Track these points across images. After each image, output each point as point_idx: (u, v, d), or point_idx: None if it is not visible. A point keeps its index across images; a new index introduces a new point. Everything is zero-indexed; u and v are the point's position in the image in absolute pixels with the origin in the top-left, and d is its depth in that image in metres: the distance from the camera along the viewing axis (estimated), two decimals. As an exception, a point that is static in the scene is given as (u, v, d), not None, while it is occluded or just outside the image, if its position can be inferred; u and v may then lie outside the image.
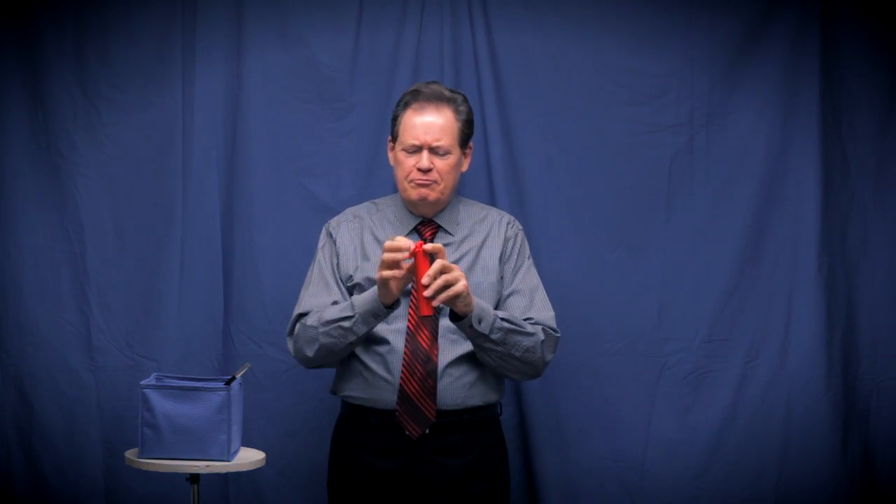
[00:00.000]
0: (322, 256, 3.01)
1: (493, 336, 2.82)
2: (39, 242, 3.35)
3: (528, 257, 3.05)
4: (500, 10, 3.39)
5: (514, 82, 3.40)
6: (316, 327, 2.86)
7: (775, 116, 3.42)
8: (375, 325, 2.85)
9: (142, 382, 2.87)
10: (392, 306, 2.82)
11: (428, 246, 2.72)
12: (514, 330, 2.85)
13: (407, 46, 3.40)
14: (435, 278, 2.70)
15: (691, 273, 3.42)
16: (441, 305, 2.79)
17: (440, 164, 2.93)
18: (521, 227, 3.09)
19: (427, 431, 2.87)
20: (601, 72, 3.41)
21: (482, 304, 2.83)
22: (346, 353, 2.90)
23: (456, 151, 2.96)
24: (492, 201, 3.35)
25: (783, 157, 3.43)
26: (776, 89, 3.42)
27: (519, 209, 3.36)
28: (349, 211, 3.09)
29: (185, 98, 3.36)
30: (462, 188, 3.34)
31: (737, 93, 3.42)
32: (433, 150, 2.92)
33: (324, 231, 3.06)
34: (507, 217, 3.08)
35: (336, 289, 2.96)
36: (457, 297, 2.73)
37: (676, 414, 3.40)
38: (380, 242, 2.95)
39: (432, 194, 2.94)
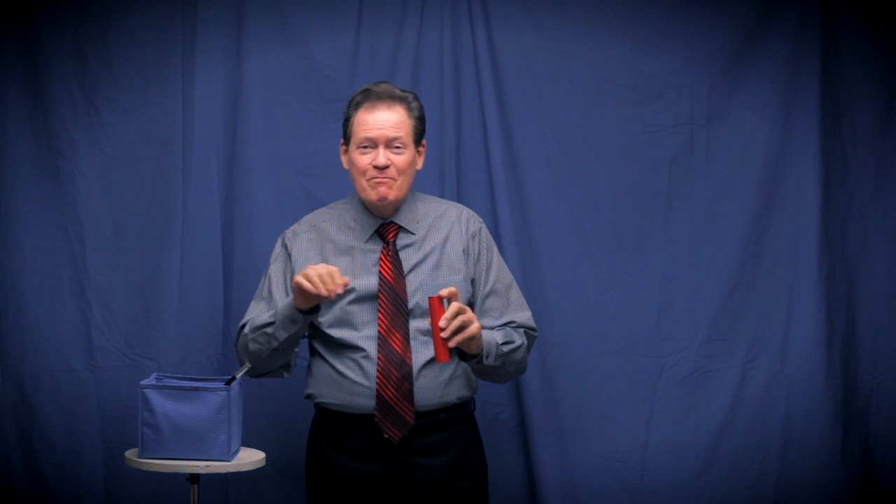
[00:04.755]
0: (274, 270, 2.97)
1: (497, 363, 2.85)
2: (39, 242, 3.35)
3: (497, 252, 3.01)
4: (500, 10, 3.39)
5: (514, 82, 3.40)
6: (247, 334, 2.87)
7: (775, 116, 3.42)
8: (296, 333, 2.82)
9: (142, 382, 2.87)
10: (310, 312, 2.79)
11: (443, 291, 2.70)
12: (510, 350, 2.87)
13: (407, 46, 3.40)
14: (451, 320, 2.69)
15: (691, 273, 3.42)
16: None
17: (397, 160, 2.88)
18: (482, 220, 3.03)
19: (406, 433, 2.86)
20: (601, 72, 3.41)
21: (486, 336, 2.83)
22: (274, 362, 2.88)
23: (411, 147, 2.91)
24: (492, 201, 3.35)
25: (783, 157, 3.43)
26: (776, 89, 3.42)
27: (519, 209, 3.36)
28: (305, 220, 3.02)
29: (185, 98, 3.36)
30: (462, 188, 3.35)
31: (737, 93, 3.43)
32: (389, 146, 2.88)
33: (279, 242, 3.01)
34: (466, 212, 3.02)
35: (280, 302, 2.90)
36: (471, 338, 2.73)
37: (676, 414, 3.40)
38: (342, 249, 2.93)
39: (392, 193, 2.89)
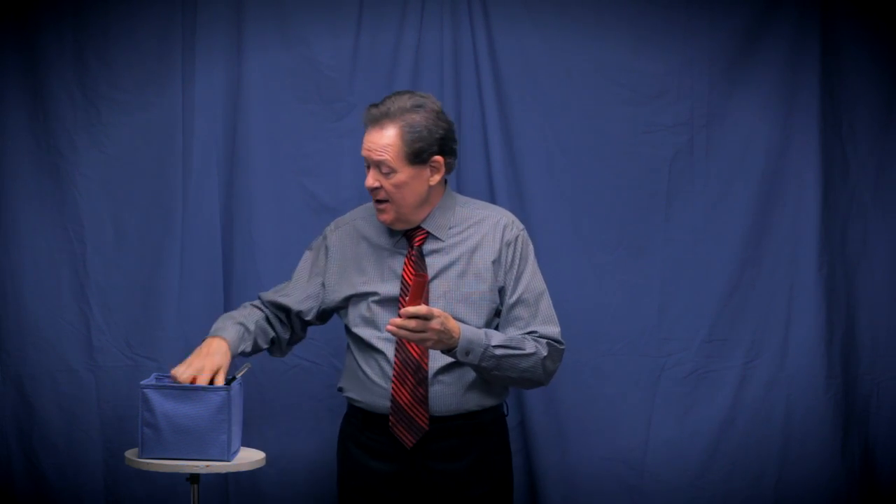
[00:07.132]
0: (307, 255, 3.03)
1: (484, 364, 2.78)
2: (39, 242, 3.35)
3: (533, 261, 2.94)
4: (500, 10, 3.39)
5: (514, 82, 3.40)
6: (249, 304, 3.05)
7: (775, 116, 3.43)
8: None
9: (142, 382, 2.86)
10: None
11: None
12: (509, 355, 2.80)
13: (407, 46, 3.40)
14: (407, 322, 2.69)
15: (691, 273, 3.42)
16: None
17: (385, 182, 2.85)
18: (522, 227, 2.96)
19: (419, 439, 2.85)
20: (601, 72, 3.41)
21: (470, 334, 2.77)
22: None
23: (404, 170, 2.83)
24: (492, 201, 3.34)
25: (783, 157, 3.43)
26: (776, 89, 3.42)
27: (519, 209, 3.35)
28: (349, 214, 3.04)
29: (185, 98, 3.36)
30: (462, 188, 3.35)
31: (737, 93, 3.43)
32: (377, 168, 2.85)
33: (323, 232, 3.03)
34: (505, 219, 2.94)
35: (304, 284, 2.98)
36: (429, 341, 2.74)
37: (676, 414, 3.40)
38: (373, 248, 2.93)
39: (390, 216, 2.87)
